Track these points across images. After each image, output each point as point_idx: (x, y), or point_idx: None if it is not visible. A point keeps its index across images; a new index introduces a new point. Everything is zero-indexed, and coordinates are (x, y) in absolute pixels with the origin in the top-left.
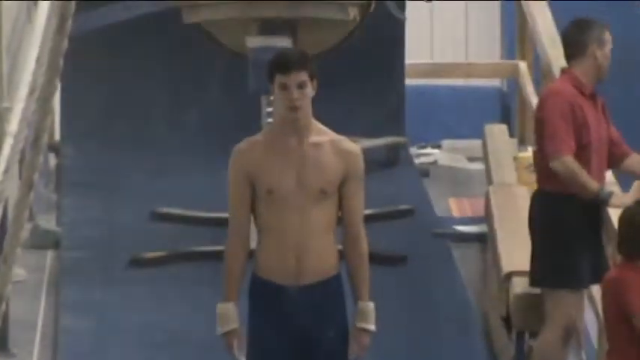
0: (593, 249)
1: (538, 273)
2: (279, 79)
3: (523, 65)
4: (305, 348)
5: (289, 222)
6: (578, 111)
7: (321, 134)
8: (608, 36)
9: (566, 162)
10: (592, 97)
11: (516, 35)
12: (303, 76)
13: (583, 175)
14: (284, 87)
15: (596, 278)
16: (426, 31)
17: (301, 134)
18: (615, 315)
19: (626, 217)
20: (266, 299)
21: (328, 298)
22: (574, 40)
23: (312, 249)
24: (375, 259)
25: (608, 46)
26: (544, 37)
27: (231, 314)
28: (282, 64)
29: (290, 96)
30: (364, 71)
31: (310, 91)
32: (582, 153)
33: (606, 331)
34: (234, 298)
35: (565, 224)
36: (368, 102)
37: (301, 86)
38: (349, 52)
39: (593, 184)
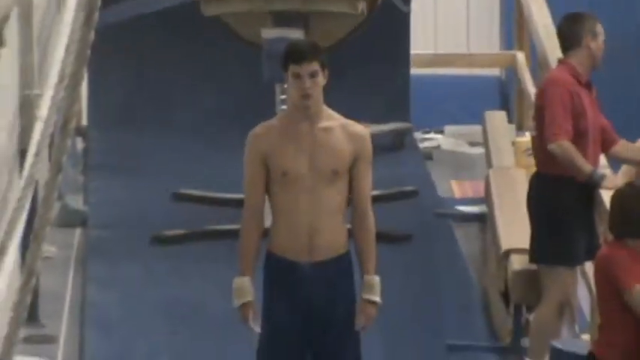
0: (587, 228)
1: (536, 250)
2: (292, 68)
3: (521, 56)
4: (316, 320)
5: (302, 202)
6: (577, 99)
7: (332, 119)
8: (600, 28)
9: (563, 145)
10: (588, 86)
11: (514, 27)
12: (315, 66)
13: (579, 158)
14: (297, 76)
15: (590, 256)
16: (429, 23)
17: (313, 119)
18: (606, 290)
19: (617, 199)
20: (280, 275)
21: (339, 274)
22: (569, 33)
23: (323, 228)
24: (381, 237)
25: (601, 37)
26: (540, 29)
27: (246, 288)
28: (295, 54)
29: (302, 85)
30: (371, 61)
31: (321, 80)
32: (579, 139)
33: (598, 306)
34: (249, 273)
35: (561, 205)
36: (375, 90)
37: (313, 75)
38: (357, 43)
39: (587, 167)
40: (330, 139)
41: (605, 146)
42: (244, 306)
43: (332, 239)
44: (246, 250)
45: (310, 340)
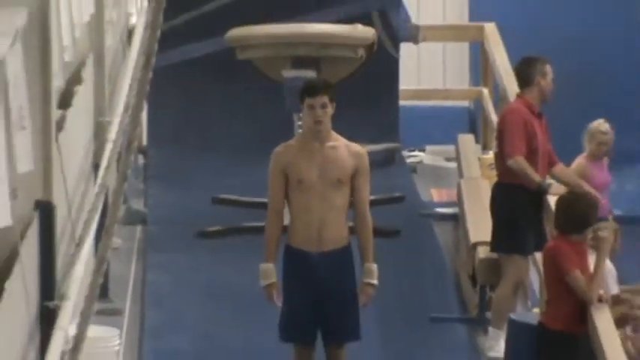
0: (536, 226)
1: (497, 243)
2: (307, 101)
3: (485, 91)
4: (324, 298)
5: (313, 204)
6: (529, 125)
7: (337, 140)
8: (549, 69)
9: (519, 161)
10: (539, 116)
11: (481, 69)
12: (325, 99)
13: (530, 171)
14: (311, 107)
15: (538, 248)
16: (413, 65)
17: (322, 140)
18: (552, 274)
19: (560, 203)
20: (296, 262)
21: (342, 262)
22: (524, 73)
23: (330, 225)
24: (376, 232)
25: (549, 77)
26: (501, 71)
27: (270, 272)
28: (310, 90)
29: (315, 114)
30: (369, 95)
31: (330, 110)
32: (531, 156)
33: (545, 286)
34: (272, 260)
35: (516, 207)
36: (372, 117)
37: (324, 106)
38: (358, 81)
39: (537, 178)
40: (335, 156)
41: (553, 162)
42: (269, 286)
43: (337, 234)
44: (270, 242)
45: (319, 313)
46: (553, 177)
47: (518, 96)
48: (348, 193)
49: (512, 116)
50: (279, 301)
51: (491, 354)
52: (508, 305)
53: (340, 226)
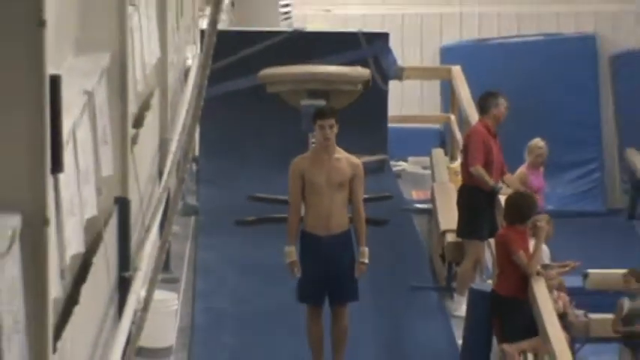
0: (490, 218)
1: (461, 230)
2: (318, 122)
3: (452, 117)
4: (331, 271)
5: (322, 201)
6: (486, 143)
7: (340, 153)
8: (502, 101)
9: (478, 169)
10: (494, 136)
11: (450, 100)
12: (332, 122)
13: (486, 177)
14: (321, 127)
15: (492, 234)
16: (399, 96)
17: (330, 153)
18: (502, 254)
19: (508, 200)
20: (310, 243)
21: (344, 242)
22: (483, 104)
23: (334, 215)
24: (369, 222)
25: (502, 107)
26: (464, 102)
27: (291, 252)
28: (320, 114)
29: (325, 132)
30: (365, 118)
31: (335, 129)
32: (487, 166)
33: (497, 263)
34: (293, 243)
35: (476, 204)
36: (367, 135)
37: (331, 127)
38: (357, 108)
39: (491, 182)
40: (339, 165)
41: (504, 172)
42: (291, 263)
43: (340, 222)
44: (291, 229)
45: (328, 282)
46: (503, 182)
47: (479, 120)
48: (347, 193)
49: (474, 135)
50: (298, 273)
51: (456, 313)
52: (469, 277)
53: (342, 217)
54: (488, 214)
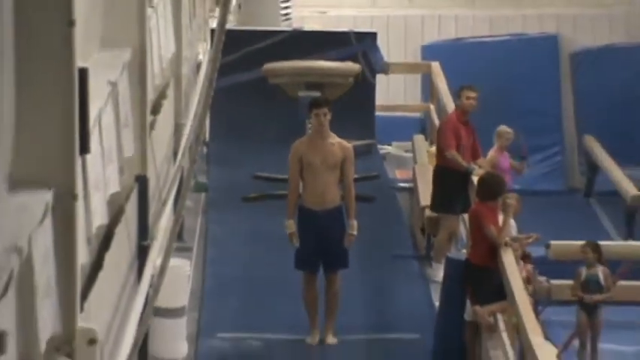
0: (462, 195)
1: (436, 205)
2: (314, 111)
3: (432, 106)
4: (324, 242)
5: (318, 179)
6: (456, 130)
7: (333, 138)
8: (470, 93)
9: (452, 153)
10: (465, 123)
11: (430, 91)
12: (326, 110)
13: (460, 159)
14: (317, 115)
15: (465, 210)
16: (385, 88)
17: (324, 138)
18: (475, 228)
19: (480, 180)
20: (307, 216)
21: (336, 216)
22: (455, 96)
23: (328, 192)
24: (359, 198)
25: (472, 98)
26: (442, 93)
27: (291, 225)
28: (316, 104)
29: (319, 119)
30: (355, 107)
31: (329, 117)
32: (458, 150)
33: (470, 235)
34: (292, 216)
35: (448, 182)
36: (356, 122)
37: (325, 115)
38: (348, 98)
39: (465, 163)
40: (332, 149)
41: (477, 156)
42: (290, 234)
43: (333, 198)
44: (291, 205)
45: (321, 252)
46: (476, 164)
47: (453, 110)
48: (340, 173)
49: (444, 125)
50: (296, 243)
51: (434, 279)
52: (444, 247)
53: (335, 194)
54: (460, 191)
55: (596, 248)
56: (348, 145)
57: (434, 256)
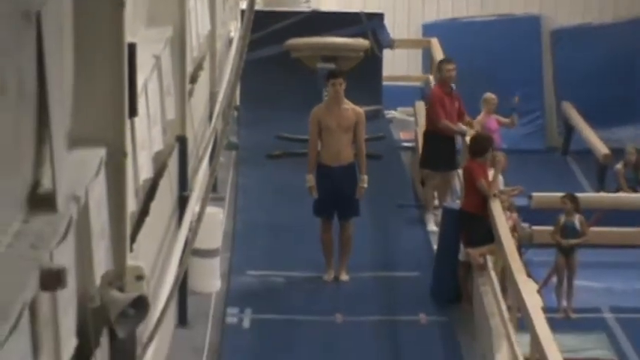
0: (446, 155)
1: (421, 162)
2: (331, 81)
3: (431, 77)
4: (339, 193)
5: (334, 140)
6: (441, 101)
7: (347, 104)
8: (450, 65)
9: (444, 122)
10: (449, 93)
11: (429, 63)
12: (341, 80)
13: (452, 126)
14: (333, 85)
15: (450, 168)
16: (390, 61)
17: (339, 104)
18: (468, 181)
19: (472, 139)
20: (324, 172)
21: (350, 171)
22: (437, 68)
23: (343, 151)
24: (368, 155)
25: (451, 70)
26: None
27: (311, 179)
28: (333, 74)
29: (336, 88)
30: (365, 78)
31: (344, 86)
32: (446, 117)
33: (464, 187)
34: (312, 172)
35: (435, 144)
36: (366, 91)
37: (341, 84)
38: (359, 69)
39: (456, 128)
40: (346, 114)
41: (462, 118)
42: (310, 187)
43: (347, 156)
44: (311, 161)
45: (336, 201)
46: (467, 125)
47: (436, 84)
48: (352, 134)
49: (431, 98)
50: (315, 195)
51: (428, 227)
52: (430, 198)
53: (349, 152)
54: (443, 153)
55: (574, 199)
56: (361, 110)
57: (424, 203)
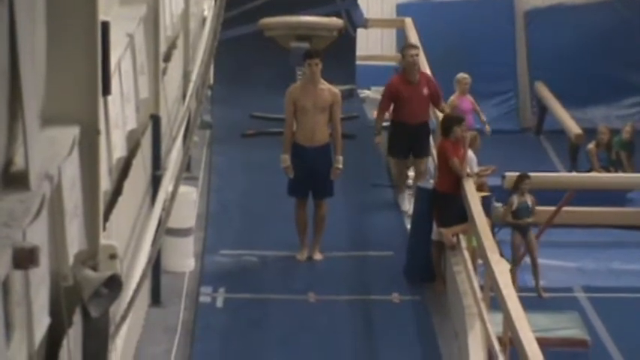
0: (403, 143)
1: (390, 151)
2: (308, 61)
3: None
4: (314, 173)
5: (309, 120)
6: (396, 92)
7: (323, 84)
8: (409, 50)
9: (377, 116)
10: (411, 82)
11: (403, 43)
12: (318, 60)
13: (378, 124)
14: (310, 65)
15: (415, 155)
16: (364, 40)
17: (315, 83)
18: (442, 160)
19: (442, 120)
20: (299, 152)
21: (325, 152)
22: (401, 54)
23: (318, 131)
24: (344, 135)
25: (411, 56)
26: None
27: (286, 158)
28: (310, 54)
29: (312, 68)
30: (339, 57)
31: (320, 66)
32: (401, 106)
33: (437, 167)
34: (287, 152)
35: (392, 131)
36: (341, 70)
37: (317, 64)
38: (333, 49)
39: (379, 124)
40: (322, 93)
41: (437, 104)
42: (286, 167)
43: (322, 136)
44: (286, 141)
45: (311, 181)
46: (441, 112)
47: (395, 74)
48: (328, 114)
49: (383, 90)
50: (291, 174)
51: (402, 208)
52: (399, 183)
53: (324, 132)
54: (400, 141)
55: (527, 179)
56: (337, 90)
57: (394, 185)
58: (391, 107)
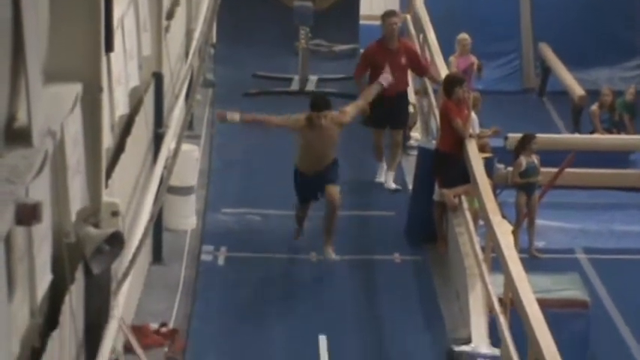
0: (383, 111)
1: (367, 121)
2: (315, 114)
3: (409, 16)
4: (319, 189)
5: (315, 150)
6: (370, 56)
7: (330, 118)
8: (389, 18)
9: (356, 80)
10: (388, 49)
11: (407, 3)
12: (326, 113)
13: (359, 87)
14: (318, 117)
15: (396, 126)
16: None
17: (324, 129)
18: (444, 120)
19: (444, 80)
20: (304, 179)
21: (334, 167)
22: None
23: (325, 159)
24: (342, 95)
25: (392, 24)
26: (417, 5)
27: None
28: (317, 107)
29: (320, 121)
30: (343, 17)
31: (329, 117)
32: (377, 70)
33: (440, 127)
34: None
35: (373, 101)
36: (344, 29)
37: (325, 117)
38: (338, 7)
39: (370, 88)
40: (329, 132)
41: (422, 72)
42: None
43: (328, 161)
44: (260, 119)
45: (317, 193)
46: (430, 78)
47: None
48: (337, 138)
49: (361, 56)
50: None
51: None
52: (378, 155)
53: (330, 157)
54: (380, 109)
55: (534, 138)
56: (342, 118)
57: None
58: (367, 73)
